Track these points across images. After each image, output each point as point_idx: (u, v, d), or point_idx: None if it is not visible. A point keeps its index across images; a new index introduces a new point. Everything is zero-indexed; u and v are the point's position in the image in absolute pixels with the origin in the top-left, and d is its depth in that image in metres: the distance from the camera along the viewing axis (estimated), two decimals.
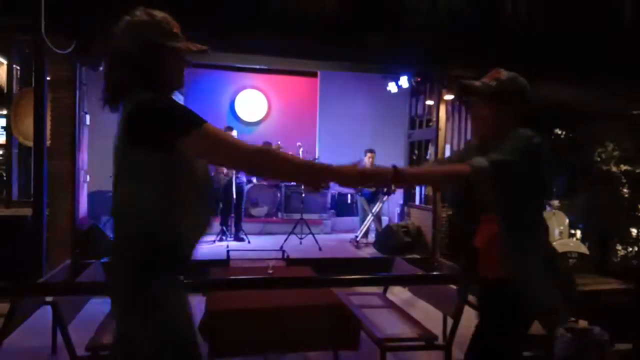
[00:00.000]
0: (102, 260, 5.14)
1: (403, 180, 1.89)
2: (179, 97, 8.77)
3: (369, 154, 8.08)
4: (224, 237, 7.58)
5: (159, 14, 1.71)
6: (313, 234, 7.42)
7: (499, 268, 2.00)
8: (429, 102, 8.19)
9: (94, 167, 7.08)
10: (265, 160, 1.65)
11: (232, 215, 7.62)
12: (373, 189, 7.80)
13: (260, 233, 8.32)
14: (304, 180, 1.81)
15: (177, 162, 1.61)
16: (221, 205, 7.73)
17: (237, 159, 1.65)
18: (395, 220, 8.49)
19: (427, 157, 8.22)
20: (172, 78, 1.75)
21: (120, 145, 1.66)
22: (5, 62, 6.00)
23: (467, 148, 2.25)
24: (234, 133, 7.51)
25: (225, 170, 7.38)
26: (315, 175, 1.75)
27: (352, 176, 1.79)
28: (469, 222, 2.13)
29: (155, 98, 1.64)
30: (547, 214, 7.51)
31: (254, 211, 8.76)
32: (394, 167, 1.86)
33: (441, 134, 7.09)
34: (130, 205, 1.67)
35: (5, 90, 6.01)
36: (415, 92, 8.91)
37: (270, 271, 3.69)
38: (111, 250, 1.73)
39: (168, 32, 1.70)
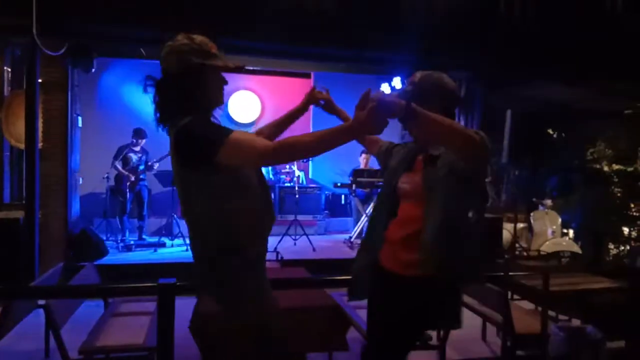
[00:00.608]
0: (95, 263, 5.14)
1: (415, 114, 1.69)
2: None
3: (364, 155, 8.10)
4: None
5: (198, 38, 1.83)
6: (307, 235, 7.41)
7: (419, 266, 1.93)
8: None
9: (86, 169, 7.06)
10: (287, 151, 1.72)
11: None
12: (367, 190, 7.81)
13: None
14: (333, 146, 1.76)
15: (226, 176, 1.74)
16: None
17: (263, 158, 1.73)
18: None
19: None
20: (213, 97, 1.87)
21: (174, 166, 1.82)
22: None
23: (405, 149, 2.21)
24: None
25: None
26: (336, 138, 1.68)
27: (363, 119, 1.60)
28: (387, 213, 2.11)
29: (193, 121, 1.75)
30: (540, 213, 7.56)
31: None
32: (407, 101, 1.69)
33: None
34: (195, 222, 1.83)
35: None
36: None
37: None
38: (194, 261, 1.88)
39: (207, 53, 1.82)
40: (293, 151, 1.72)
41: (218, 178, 1.73)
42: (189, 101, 1.79)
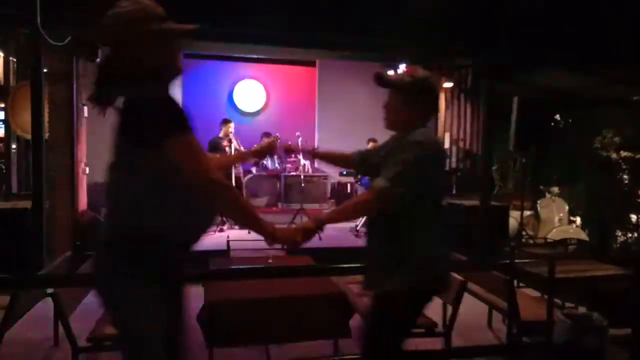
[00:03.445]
0: None
1: (320, 229, 2.11)
2: (176, 88, 8.74)
3: (371, 143, 8.08)
4: (223, 228, 7.60)
5: (144, 1, 1.68)
6: None
7: None
8: None
9: (93, 158, 7.09)
10: (218, 192, 1.67)
11: None
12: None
13: None
14: (246, 226, 2.01)
15: (169, 160, 1.60)
16: None
17: (197, 177, 1.62)
18: None
19: None
20: (166, 64, 1.73)
21: (116, 137, 1.67)
22: (1, 54, 5.96)
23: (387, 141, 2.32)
24: (231, 125, 7.45)
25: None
26: (253, 227, 1.87)
27: (269, 237, 1.91)
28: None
29: (149, 94, 1.62)
30: (547, 200, 7.53)
31: (254, 201, 8.76)
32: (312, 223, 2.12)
33: (440, 122, 7.07)
34: (121, 195, 1.70)
35: (2, 84, 5.99)
36: None
37: (270, 261, 3.70)
38: (102, 236, 1.74)
39: (154, 16, 1.68)
40: (223, 197, 1.69)
41: (155, 159, 1.60)
42: (141, 68, 1.65)
